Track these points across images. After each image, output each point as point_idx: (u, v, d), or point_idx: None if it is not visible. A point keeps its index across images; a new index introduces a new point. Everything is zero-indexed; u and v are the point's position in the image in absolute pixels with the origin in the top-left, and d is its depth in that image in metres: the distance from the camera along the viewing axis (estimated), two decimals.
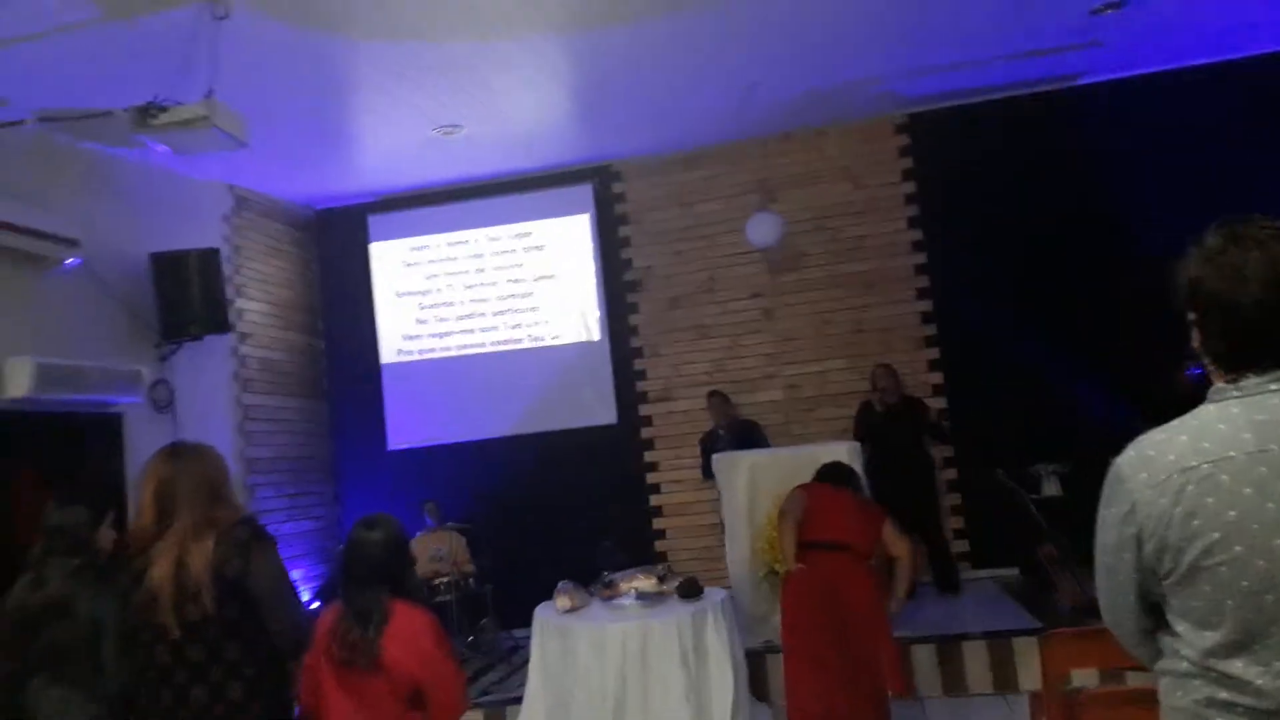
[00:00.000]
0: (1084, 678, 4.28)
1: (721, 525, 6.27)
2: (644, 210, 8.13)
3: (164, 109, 4.30)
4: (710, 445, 7.07)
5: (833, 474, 4.64)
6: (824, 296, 7.75)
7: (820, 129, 7.78)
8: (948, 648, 5.46)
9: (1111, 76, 7.27)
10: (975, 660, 5.40)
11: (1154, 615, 1.45)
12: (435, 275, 8.42)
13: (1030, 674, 5.03)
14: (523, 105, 6.56)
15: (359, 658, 2.74)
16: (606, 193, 8.18)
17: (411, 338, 8.42)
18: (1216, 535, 1.33)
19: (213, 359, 7.01)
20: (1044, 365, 7.07)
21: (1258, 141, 6.89)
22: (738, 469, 5.91)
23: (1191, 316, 1.46)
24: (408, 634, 2.80)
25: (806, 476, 4.99)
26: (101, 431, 5.93)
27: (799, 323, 7.79)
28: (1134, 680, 3.04)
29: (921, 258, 7.64)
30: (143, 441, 6.18)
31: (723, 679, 4.92)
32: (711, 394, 7.40)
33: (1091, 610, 5.13)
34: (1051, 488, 6.65)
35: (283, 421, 7.85)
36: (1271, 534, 1.30)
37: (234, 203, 7.52)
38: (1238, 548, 1.31)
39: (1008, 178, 7.40)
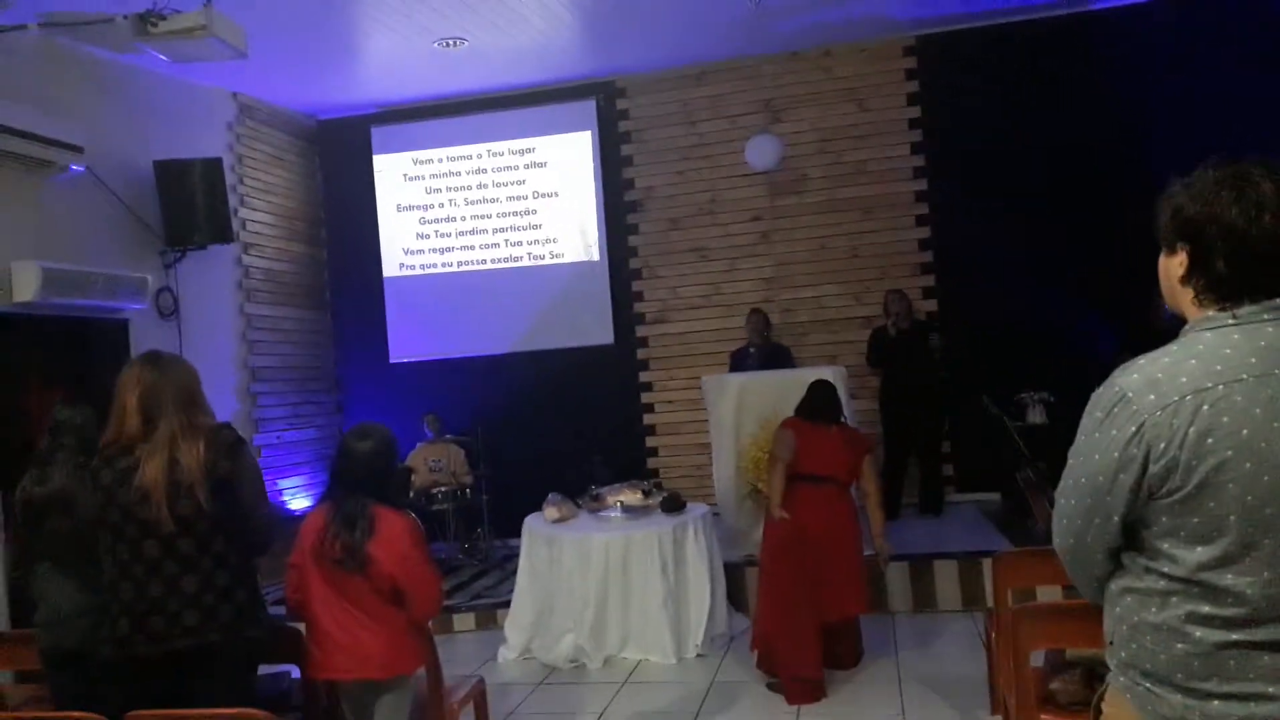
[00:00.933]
0: (1049, 596, 4.48)
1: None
2: (647, 128, 8.10)
3: (163, 17, 4.33)
4: (739, 362, 7.10)
5: (819, 407, 4.73)
6: (823, 220, 7.77)
7: (828, 49, 7.69)
8: (920, 567, 5.66)
9: (1118, 3, 7.13)
10: (946, 579, 5.61)
11: (1126, 535, 1.52)
12: (437, 190, 8.46)
13: None
14: (527, 18, 6.51)
15: (347, 559, 2.92)
16: (610, 109, 8.14)
17: (413, 252, 8.50)
18: (1230, 453, 1.40)
19: (217, 268, 7.12)
20: (1036, 296, 7.13)
21: (1263, 68, 6.78)
22: (726, 391, 6.04)
23: (1183, 248, 1.52)
24: (389, 536, 2.97)
25: (794, 400, 5.12)
26: (107, 337, 6.08)
27: (796, 246, 7.82)
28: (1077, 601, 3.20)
29: (922, 184, 7.63)
30: (148, 347, 6.29)
31: (700, 588, 5.16)
32: (753, 311, 7.29)
33: None
34: (1036, 415, 6.78)
35: (286, 331, 8.00)
36: (1276, 451, 1.39)
37: (237, 110, 7.53)
38: (1247, 464, 1.39)
39: (1011, 105, 7.33)
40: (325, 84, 7.66)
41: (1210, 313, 1.49)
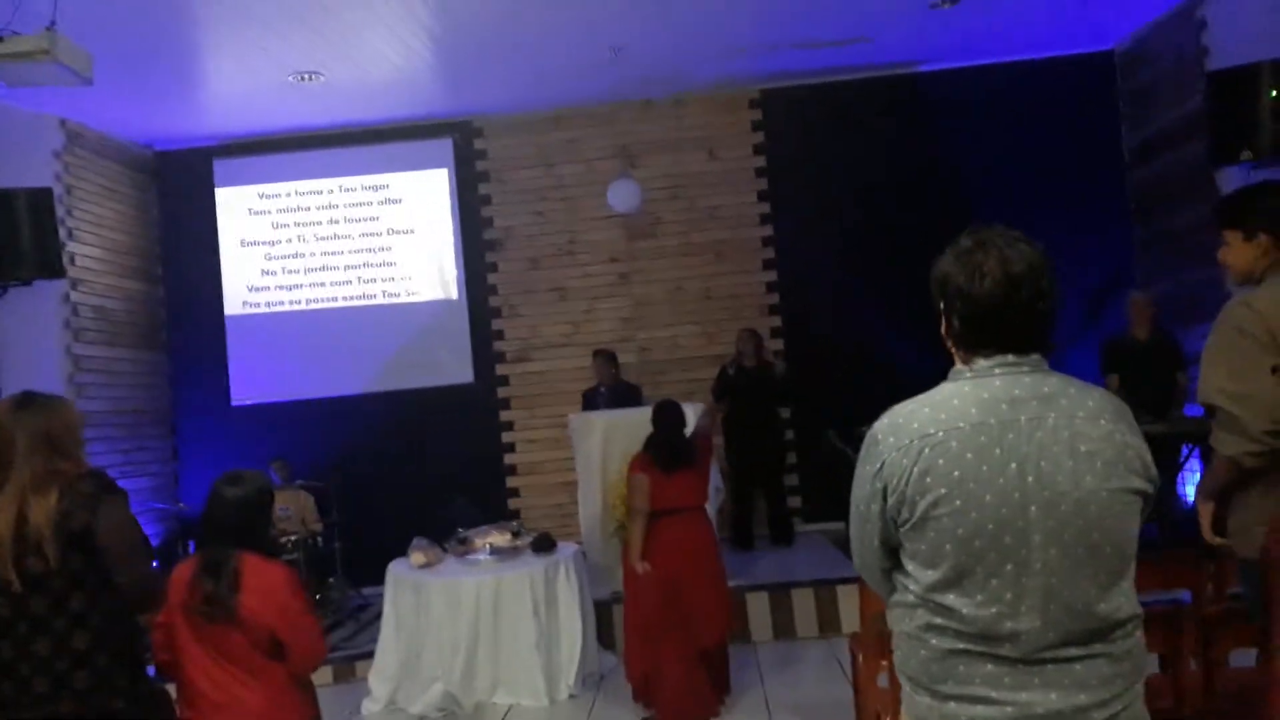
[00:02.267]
0: None
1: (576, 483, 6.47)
2: (505, 169, 8.15)
3: (0, 39, 4.04)
4: (590, 401, 7.18)
5: (673, 452, 4.72)
6: (677, 264, 8.04)
7: (679, 97, 8.00)
8: (778, 596, 5.89)
9: (947, 65, 7.82)
10: (803, 607, 5.85)
11: (892, 557, 1.74)
12: (285, 225, 8.18)
13: (850, 617, 5.50)
14: (386, 55, 6.46)
15: (213, 611, 2.79)
16: (468, 148, 8.15)
17: (258, 289, 8.17)
18: (943, 490, 1.61)
19: (42, 306, 6.61)
20: (875, 333, 7.62)
21: (1072, 130, 7.62)
22: (592, 429, 6.12)
23: (940, 306, 1.74)
24: (265, 587, 2.86)
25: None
26: None
27: (653, 288, 8.05)
28: None
29: (769, 230, 8.03)
30: None
31: (572, 628, 5.18)
32: (596, 353, 7.39)
33: None
34: None
35: (117, 374, 7.49)
36: (984, 491, 1.60)
37: (65, 139, 7.06)
38: (958, 501, 1.60)
39: (849, 156, 7.86)
40: (165, 113, 7.31)
41: (958, 365, 1.73)
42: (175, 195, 8.18)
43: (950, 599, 1.61)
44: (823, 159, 7.90)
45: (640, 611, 4.60)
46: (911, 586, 1.68)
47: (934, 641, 1.63)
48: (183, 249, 8.18)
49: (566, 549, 5.49)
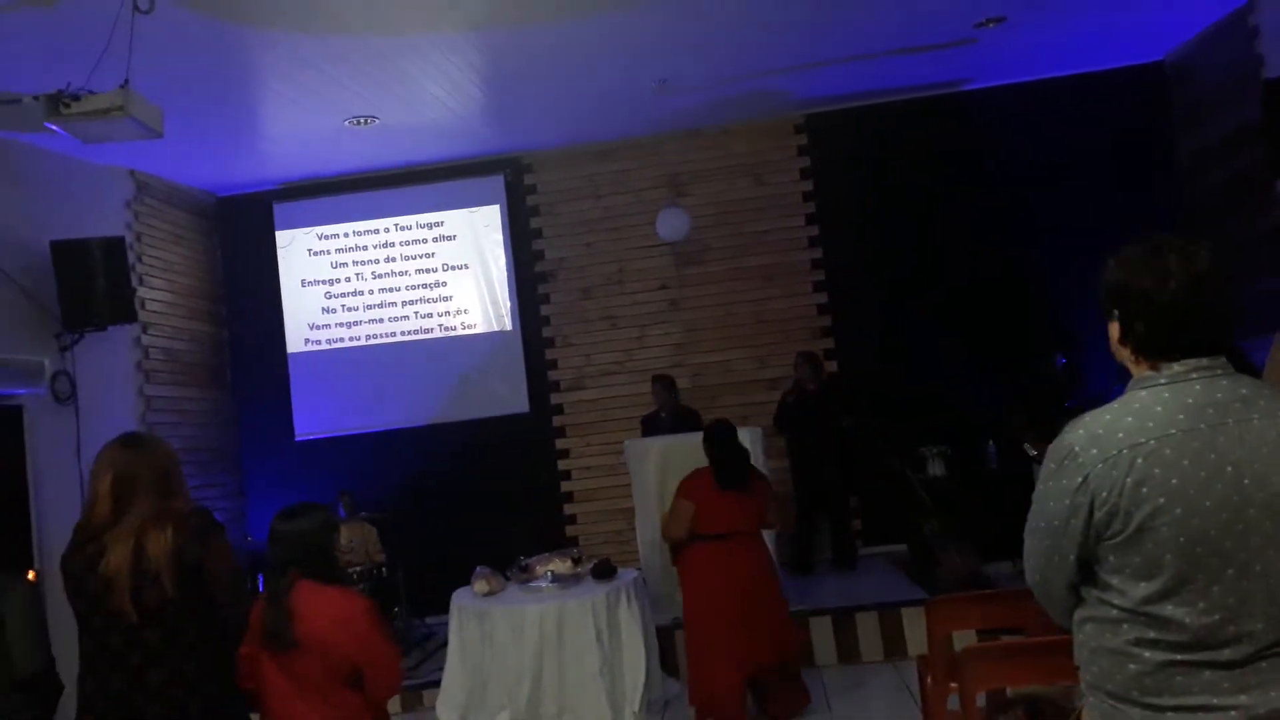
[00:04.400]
0: (964, 640, 4.70)
1: (633, 508, 6.52)
2: (555, 202, 8.29)
3: (77, 98, 4.24)
4: (651, 427, 7.22)
5: (730, 471, 4.79)
6: (727, 289, 8.08)
7: (726, 127, 8.09)
8: (842, 620, 5.85)
9: (994, 83, 7.80)
10: (868, 631, 5.80)
11: (1083, 571, 1.72)
12: (343, 264, 8.41)
13: (916, 641, 5.45)
14: (438, 97, 6.64)
15: (273, 641, 2.88)
16: (518, 183, 8.31)
17: (319, 327, 8.39)
18: (1162, 500, 1.59)
19: (115, 349, 6.87)
20: (930, 354, 7.58)
21: (1125, 143, 7.53)
22: (648, 454, 6.17)
23: (1115, 314, 1.74)
24: (344, 617, 2.94)
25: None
26: (1, 424, 5.78)
27: (703, 314, 8.10)
28: (1007, 639, 3.42)
29: (818, 252, 8.05)
30: (43, 434, 6.06)
31: (635, 655, 5.20)
32: (655, 378, 7.43)
33: (970, 581, 5.61)
34: (936, 468, 7.14)
35: (186, 413, 7.73)
36: (1203, 497, 1.59)
37: (135, 189, 7.36)
38: (1178, 510, 1.59)
39: (897, 176, 7.86)
40: (226, 161, 7.58)
41: (1146, 372, 1.72)
42: (237, 239, 8.46)
43: (1168, 609, 1.60)
44: (870, 181, 7.91)
45: (697, 634, 4.62)
46: (1116, 601, 1.66)
47: (1147, 655, 1.61)
48: (245, 290, 8.44)
49: (627, 575, 5.52)
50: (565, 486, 8.14)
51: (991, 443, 7.06)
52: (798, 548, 7.26)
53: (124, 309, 6.34)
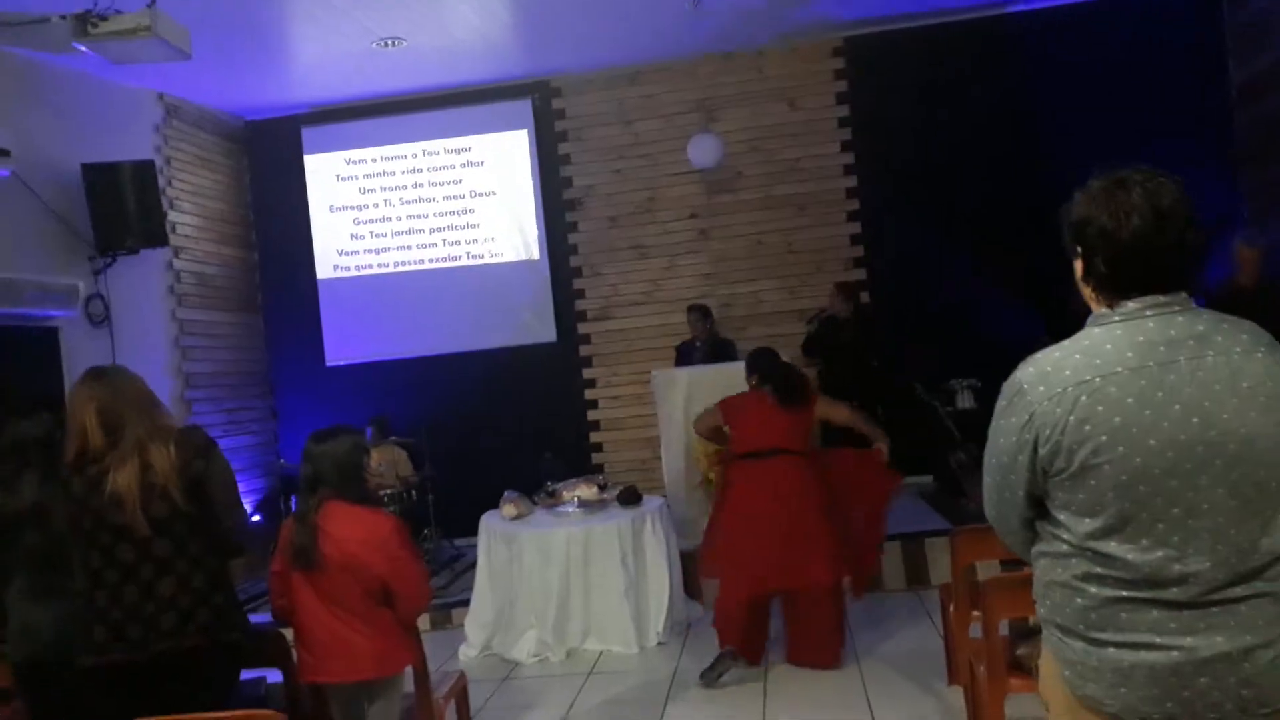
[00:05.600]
0: (987, 570, 4.71)
1: (658, 437, 6.55)
2: (584, 127, 8.17)
3: (104, 18, 4.22)
4: (685, 356, 7.19)
5: (756, 369, 4.75)
6: (758, 218, 7.97)
7: (760, 50, 7.88)
8: None
9: (1039, 5, 7.51)
10: (891, 560, 5.83)
11: (1035, 507, 1.72)
12: (371, 190, 8.37)
13: (940, 571, 5.48)
14: (464, 17, 6.51)
15: (300, 558, 2.95)
16: (546, 109, 8.19)
17: (347, 253, 8.40)
18: (1104, 438, 1.58)
19: (148, 273, 6.94)
20: (962, 286, 7.45)
21: (1174, 68, 7.25)
22: (675, 385, 6.17)
23: (1078, 250, 1.70)
24: (373, 536, 3.01)
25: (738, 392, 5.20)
26: (36, 346, 5.88)
27: (733, 243, 8.00)
28: (1029, 569, 3.43)
29: (852, 181, 7.89)
30: (79, 356, 6.15)
31: (659, 578, 5.28)
32: (691, 308, 7.35)
33: None
34: (965, 400, 7.09)
35: (219, 336, 7.83)
36: (1147, 435, 1.57)
37: (164, 112, 7.34)
38: (1120, 448, 1.57)
39: (935, 102, 7.63)
40: (254, 84, 7.52)
41: (1102, 309, 1.68)
42: (266, 163, 8.44)
43: (1112, 546, 1.59)
44: (908, 107, 7.69)
45: (720, 551, 4.61)
46: (1065, 536, 1.66)
47: (1093, 590, 1.62)
48: (274, 215, 8.45)
49: (652, 502, 5.57)
50: (592, 415, 8.19)
51: None
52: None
53: (155, 232, 6.38)
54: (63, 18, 4.31)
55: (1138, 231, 1.61)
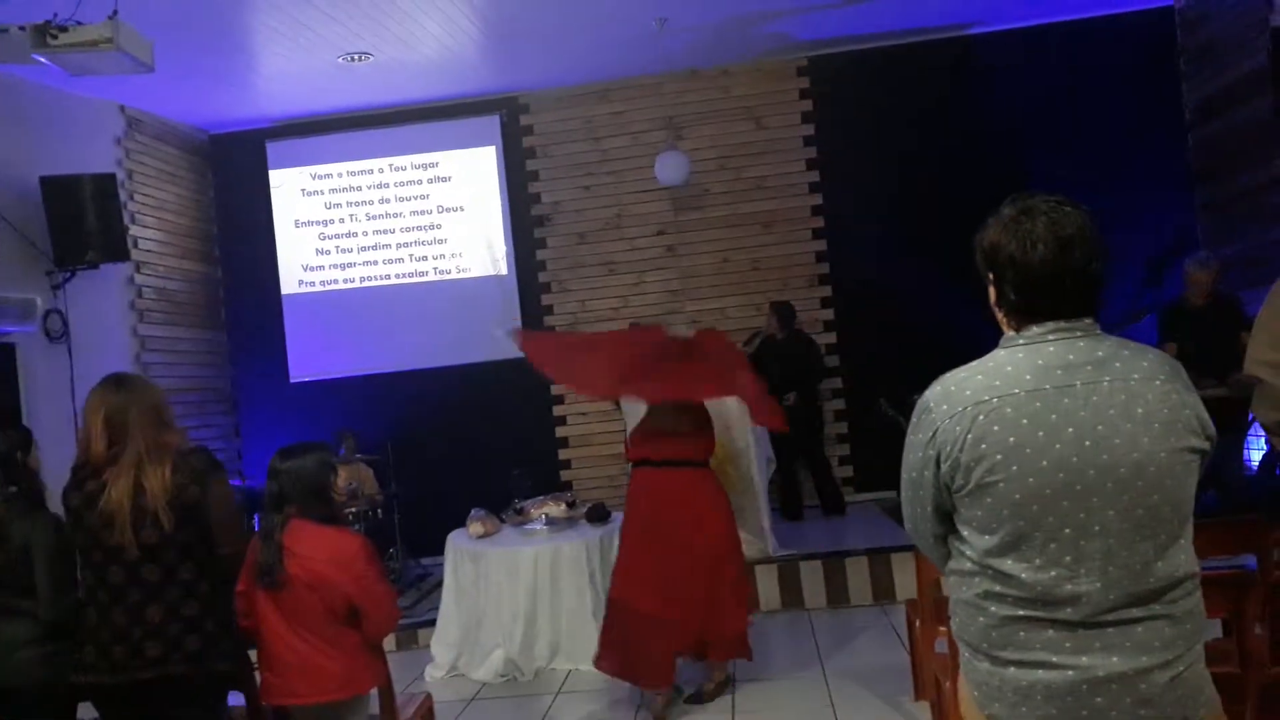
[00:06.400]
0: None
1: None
2: (552, 144, 8.18)
3: (64, 29, 4.14)
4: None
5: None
6: (724, 235, 8.02)
7: (726, 68, 7.95)
8: (832, 565, 5.91)
9: (1000, 27, 7.66)
10: (857, 575, 5.87)
11: (946, 523, 1.75)
12: (337, 205, 8.32)
13: (905, 585, 5.51)
14: (433, 33, 6.50)
15: (265, 577, 2.91)
16: (514, 125, 8.19)
17: (313, 269, 8.33)
18: (999, 456, 1.61)
19: (108, 288, 6.82)
20: (925, 302, 7.54)
21: (1131, 90, 7.43)
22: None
23: (990, 276, 1.74)
24: (339, 555, 2.97)
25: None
26: None
27: (700, 260, 8.05)
28: None
29: (818, 198, 7.97)
30: (37, 372, 6.04)
31: None
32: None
33: None
34: None
35: (181, 353, 7.71)
36: (1040, 456, 1.60)
37: (126, 125, 7.24)
38: (1014, 467, 1.61)
39: (900, 122, 7.74)
40: (218, 97, 7.45)
41: (1010, 332, 1.73)
42: (230, 178, 8.35)
43: (1008, 564, 1.62)
44: (872, 125, 7.80)
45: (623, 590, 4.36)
46: (968, 553, 1.69)
47: (993, 609, 1.64)
48: (239, 230, 8.36)
49: (620, 518, 5.55)
50: (560, 432, 8.17)
51: None
52: (784, 494, 7.32)
53: (116, 247, 6.28)
54: (22, 28, 4.22)
55: (1043, 259, 1.65)
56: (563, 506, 5.60)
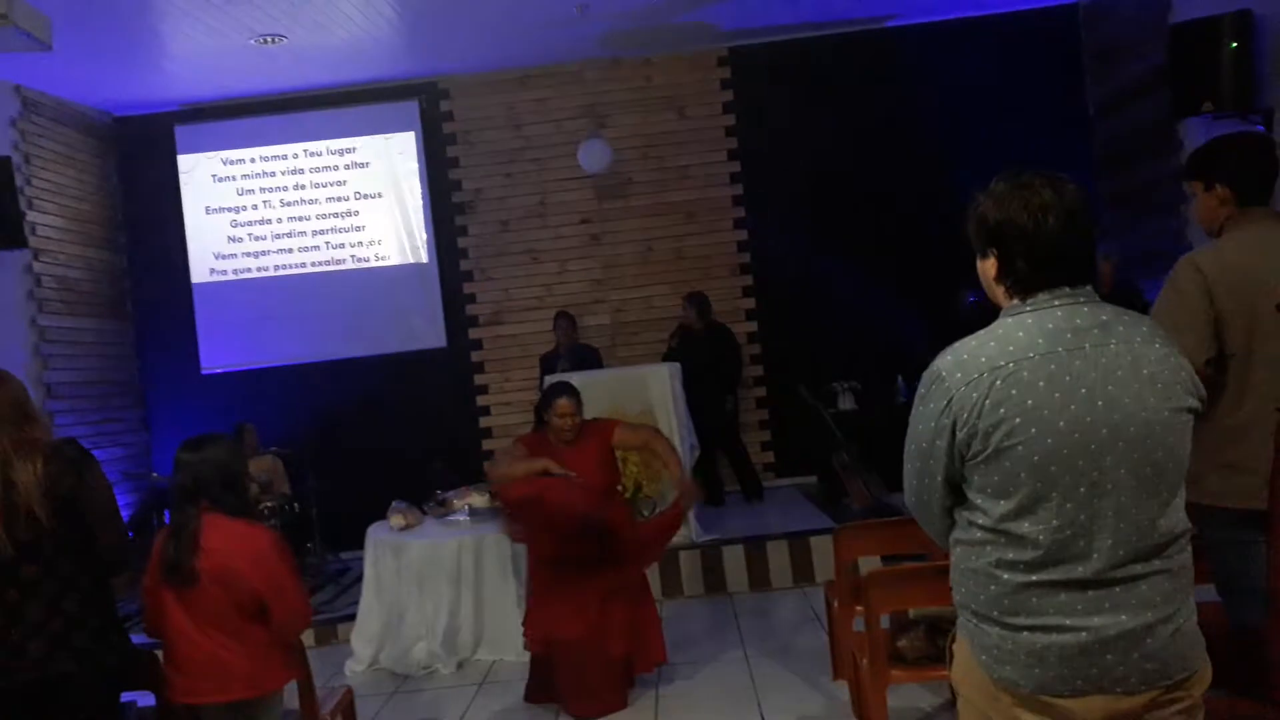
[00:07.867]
0: (869, 566, 4.87)
1: None
2: (473, 130, 8.08)
3: None
4: (549, 366, 7.21)
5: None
6: (648, 223, 8.04)
7: (648, 58, 7.96)
8: (753, 548, 6.00)
9: (917, 20, 7.82)
10: (778, 558, 5.97)
11: (954, 494, 1.79)
12: (250, 191, 8.08)
13: (824, 567, 5.62)
14: (349, 16, 6.35)
15: (173, 574, 2.82)
16: (434, 110, 8.06)
17: (225, 256, 8.08)
18: (1017, 420, 1.66)
19: (3, 277, 6.52)
20: (843, 291, 7.70)
21: (1039, 85, 7.66)
22: None
23: (992, 251, 1.78)
24: (250, 550, 2.89)
25: (631, 398, 5.16)
26: None
27: (624, 249, 8.05)
28: (909, 564, 3.57)
29: (739, 189, 8.05)
30: None
31: None
32: (559, 315, 7.45)
33: (875, 510, 5.75)
34: (846, 402, 7.33)
35: (84, 344, 7.40)
36: (1057, 417, 1.66)
37: (22, 106, 6.91)
38: (1033, 429, 1.65)
39: (819, 112, 7.86)
40: (123, 79, 7.16)
41: (1015, 302, 1.78)
42: (136, 162, 8.04)
43: (1024, 527, 1.67)
44: (792, 116, 7.90)
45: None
46: (980, 520, 1.73)
47: (1006, 576, 1.69)
48: (146, 216, 8.06)
49: None
50: (484, 422, 8.10)
51: (900, 377, 7.26)
52: (704, 479, 7.38)
53: (12, 233, 6.00)
54: None
55: (1053, 229, 1.71)
56: (486, 497, 5.54)
